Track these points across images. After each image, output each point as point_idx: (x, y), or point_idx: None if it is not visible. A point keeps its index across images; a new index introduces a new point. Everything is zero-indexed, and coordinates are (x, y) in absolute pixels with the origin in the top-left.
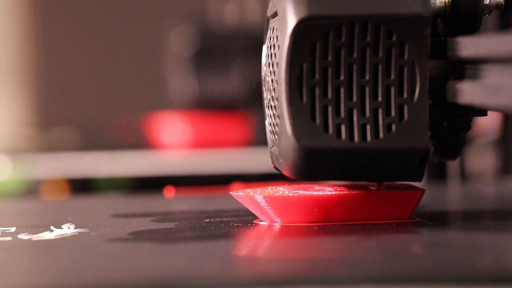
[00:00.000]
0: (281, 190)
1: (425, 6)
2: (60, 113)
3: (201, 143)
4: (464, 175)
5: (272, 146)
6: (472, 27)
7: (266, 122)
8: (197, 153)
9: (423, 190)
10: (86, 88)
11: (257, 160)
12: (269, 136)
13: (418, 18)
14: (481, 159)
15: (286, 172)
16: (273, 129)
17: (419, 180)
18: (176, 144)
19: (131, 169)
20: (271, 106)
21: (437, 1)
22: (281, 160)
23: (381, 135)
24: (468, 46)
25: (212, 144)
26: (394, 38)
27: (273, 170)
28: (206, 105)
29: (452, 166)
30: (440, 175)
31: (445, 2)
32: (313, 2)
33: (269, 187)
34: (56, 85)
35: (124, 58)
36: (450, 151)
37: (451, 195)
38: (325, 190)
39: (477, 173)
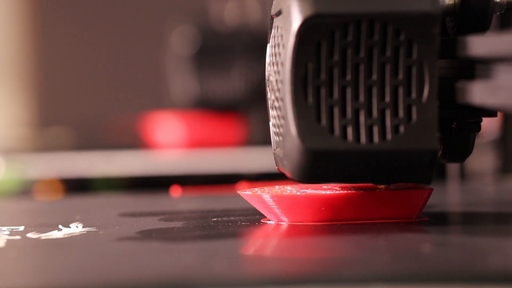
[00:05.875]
0: (289, 189)
1: (434, 4)
2: (55, 113)
3: (198, 143)
4: (464, 174)
5: (276, 148)
6: (482, 26)
7: (270, 124)
8: (193, 153)
9: (431, 190)
10: (84, 88)
11: (256, 159)
12: (273, 137)
13: (426, 16)
14: (481, 159)
15: (290, 175)
16: (277, 130)
17: (428, 182)
18: (171, 143)
19: (126, 168)
20: (275, 106)
21: None
22: (285, 162)
23: (388, 136)
24: (479, 45)
25: (209, 144)
26: (402, 37)
27: (274, 169)
28: (206, 104)
29: (452, 165)
30: (440, 174)
31: None
32: (318, 0)
33: (277, 186)
34: (52, 84)
35: (124, 58)
36: (459, 153)
37: (451, 194)
38: (333, 189)
39: (477, 173)
